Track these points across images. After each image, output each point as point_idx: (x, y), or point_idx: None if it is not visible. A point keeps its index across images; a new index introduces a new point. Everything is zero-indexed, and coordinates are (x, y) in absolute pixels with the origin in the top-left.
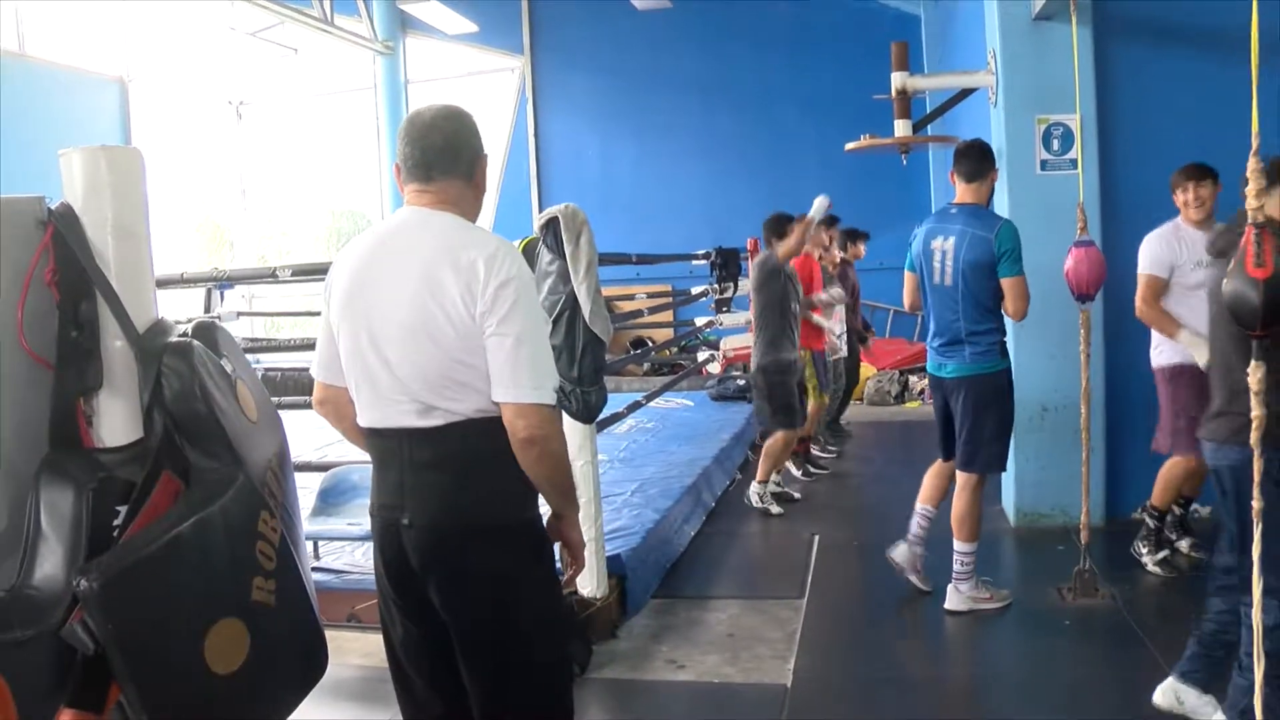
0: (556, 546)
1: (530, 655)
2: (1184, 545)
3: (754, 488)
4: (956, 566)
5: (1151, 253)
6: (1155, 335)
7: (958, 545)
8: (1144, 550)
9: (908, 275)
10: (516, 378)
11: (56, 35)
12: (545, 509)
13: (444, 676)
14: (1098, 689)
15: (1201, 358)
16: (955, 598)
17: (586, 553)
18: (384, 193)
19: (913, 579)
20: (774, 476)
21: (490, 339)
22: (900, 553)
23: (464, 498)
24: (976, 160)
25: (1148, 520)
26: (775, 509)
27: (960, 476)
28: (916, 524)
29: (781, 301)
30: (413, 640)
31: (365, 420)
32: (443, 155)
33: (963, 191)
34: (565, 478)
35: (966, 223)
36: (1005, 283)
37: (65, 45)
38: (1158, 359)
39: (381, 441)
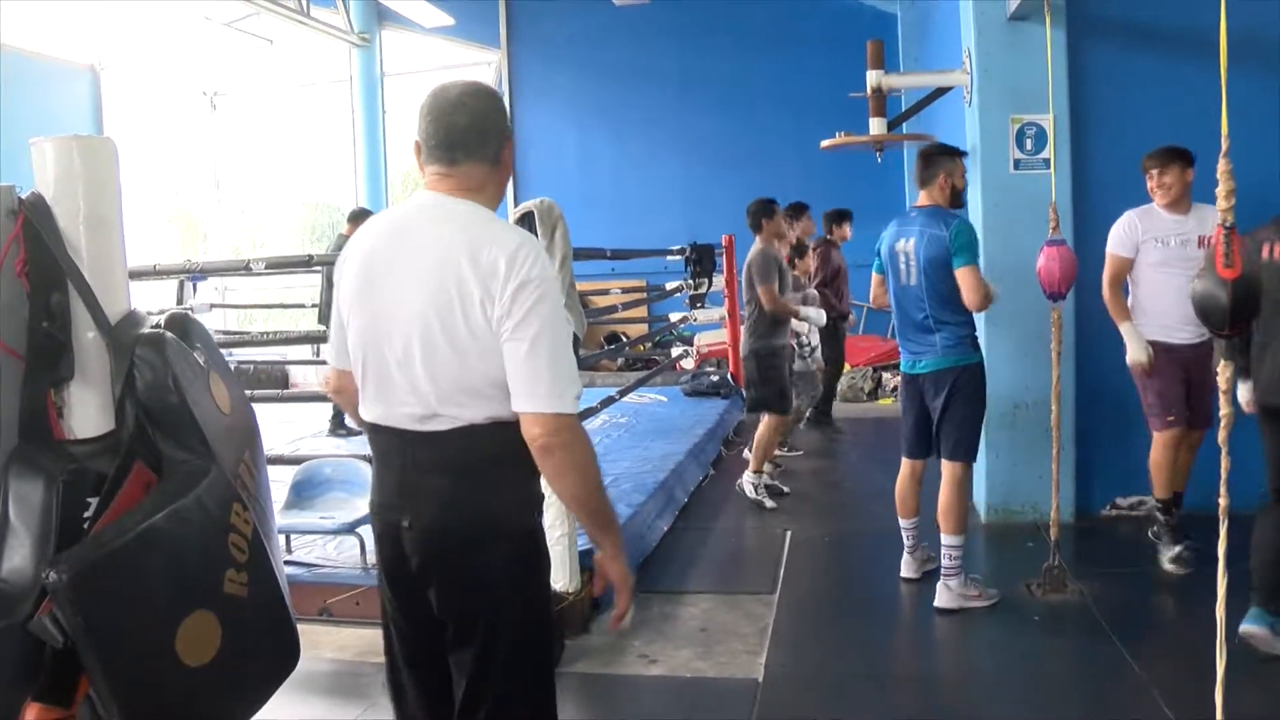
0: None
1: (511, 661)
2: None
3: (748, 478)
4: (945, 561)
5: (1116, 234)
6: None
7: (946, 539)
8: (1161, 545)
9: (875, 277)
10: (533, 385)
11: (27, 23)
12: (546, 522)
13: (434, 683)
14: (1066, 683)
15: (1131, 353)
16: (945, 595)
17: (559, 547)
18: (359, 186)
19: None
20: (766, 468)
21: (507, 343)
22: (911, 568)
23: (463, 502)
24: (923, 166)
25: (1158, 515)
26: (769, 503)
27: (946, 469)
28: (908, 536)
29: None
30: (406, 643)
31: (368, 414)
32: (467, 136)
33: (921, 195)
34: (592, 495)
35: (925, 224)
36: (958, 274)
37: (36, 33)
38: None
39: (383, 439)
